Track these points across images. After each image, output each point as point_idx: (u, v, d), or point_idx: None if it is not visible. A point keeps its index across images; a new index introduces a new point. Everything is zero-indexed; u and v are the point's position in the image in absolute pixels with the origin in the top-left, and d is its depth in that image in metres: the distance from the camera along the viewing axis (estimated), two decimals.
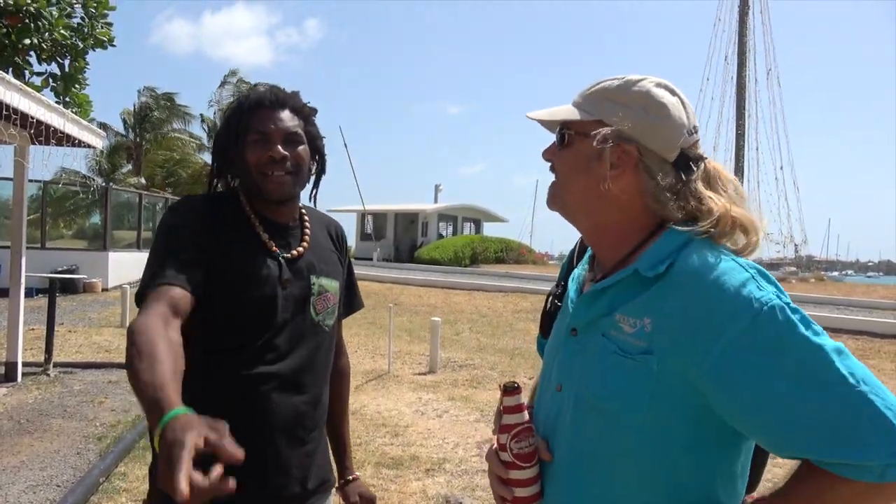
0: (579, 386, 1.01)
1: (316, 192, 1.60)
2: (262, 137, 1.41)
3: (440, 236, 31.13)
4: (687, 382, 0.91)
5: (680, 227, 0.99)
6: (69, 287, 13.25)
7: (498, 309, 13.62)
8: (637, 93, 1.01)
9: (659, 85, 1.03)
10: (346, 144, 21.43)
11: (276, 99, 1.44)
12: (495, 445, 1.07)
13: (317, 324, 1.48)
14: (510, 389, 1.04)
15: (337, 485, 1.65)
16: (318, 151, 1.53)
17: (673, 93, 1.03)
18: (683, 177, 1.00)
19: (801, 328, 0.87)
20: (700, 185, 1.01)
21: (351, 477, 1.67)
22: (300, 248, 1.47)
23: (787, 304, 0.89)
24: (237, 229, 1.41)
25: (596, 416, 0.97)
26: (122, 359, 7.56)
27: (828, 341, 0.87)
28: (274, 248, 1.43)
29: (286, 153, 1.41)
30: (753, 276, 0.90)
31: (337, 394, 1.64)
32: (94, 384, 6.23)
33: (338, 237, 1.63)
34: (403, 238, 31.65)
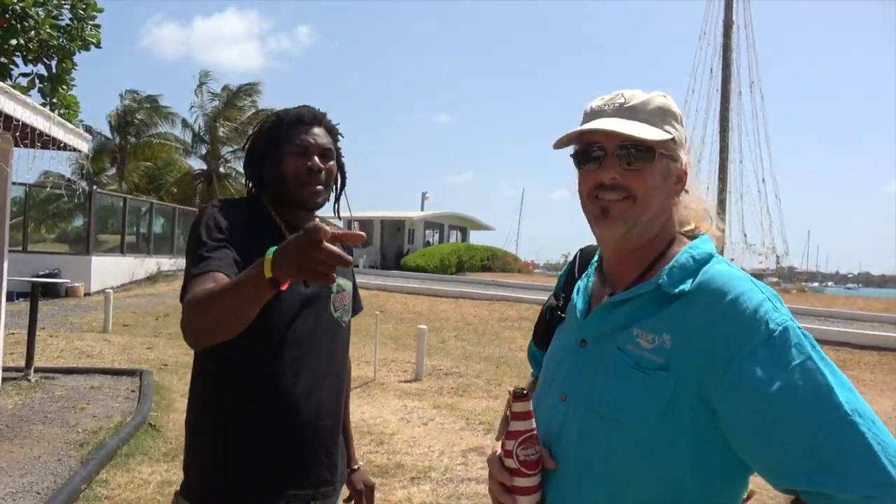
0: (590, 397, 1.01)
1: (339, 205, 1.71)
2: (302, 150, 1.53)
3: (426, 244, 31.15)
4: (701, 401, 0.93)
5: (693, 244, 1.04)
6: (51, 291, 13.10)
7: (484, 317, 13.63)
8: (675, 113, 1.06)
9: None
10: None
11: (314, 117, 1.58)
12: (499, 451, 1.06)
13: (336, 320, 1.59)
14: (520, 395, 1.03)
15: None
16: (341, 167, 1.67)
17: None
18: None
19: (811, 351, 0.90)
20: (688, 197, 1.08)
21: (355, 466, 1.76)
22: None
23: (799, 327, 0.92)
24: (267, 232, 1.51)
25: (606, 427, 0.98)
26: (103, 364, 7.45)
27: (833, 370, 0.90)
28: None
29: (322, 166, 1.55)
30: (769, 298, 0.94)
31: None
32: (76, 390, 6.15)
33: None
34: (390, 245, 31.61)
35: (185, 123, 29.91)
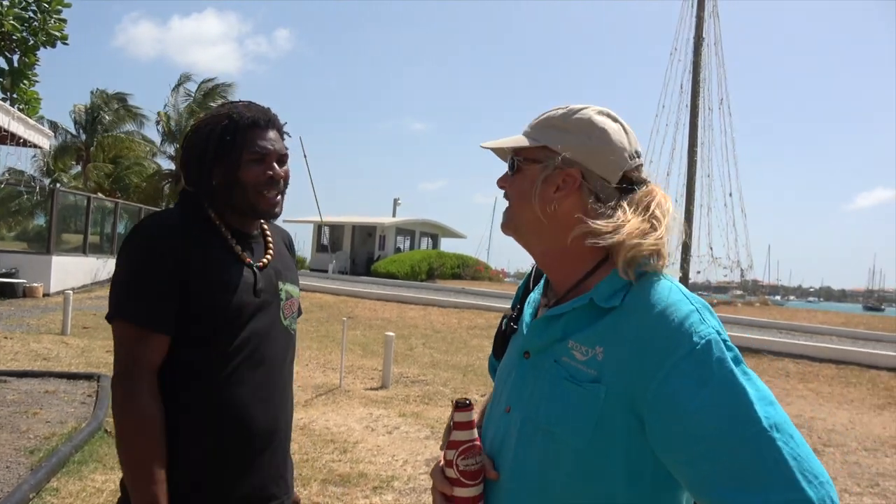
0: (528, 409, 1.02)
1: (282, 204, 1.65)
2: (260, 158, 1.47)
3: (397, 250, 31.07)
4: (632, 413, 0.93)
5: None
6: (8, 291, 12.72)
7: (452, 325, 13.62)
8: (579, 119, 1.06)
9: (600, 112, 1.08)
10: (305, 155, 21.19)
11: (269, 119, 1.51)
12: (441, 462, 1.07)
13: (286, 328, 1.55)
14: (462, 406, 1.04)
15: None
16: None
17: (615, 120, 1.08)
18: (625, 200, 1.04)
19: (732, 365, 0.90)
20: (628, 208, 1.03)
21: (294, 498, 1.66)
22: (268, 257, 1.55)
23: (725, 340, 0.92)
24: (211, 244, 1.45)
25: (541, 439, 0.99)
26: (60, 367, 7.22)
27: (754, 384, 0.90)
28: (248, 258, 1.49)
29: (282, 174, 1.50)
30: (698, 310, 0.94)
31: None
32: (30, 394, 5.96)
33: (290, 246, 1.72)
34: (360, 251, 31.46)
35: (157, 121, 29.41)
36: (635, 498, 0.95)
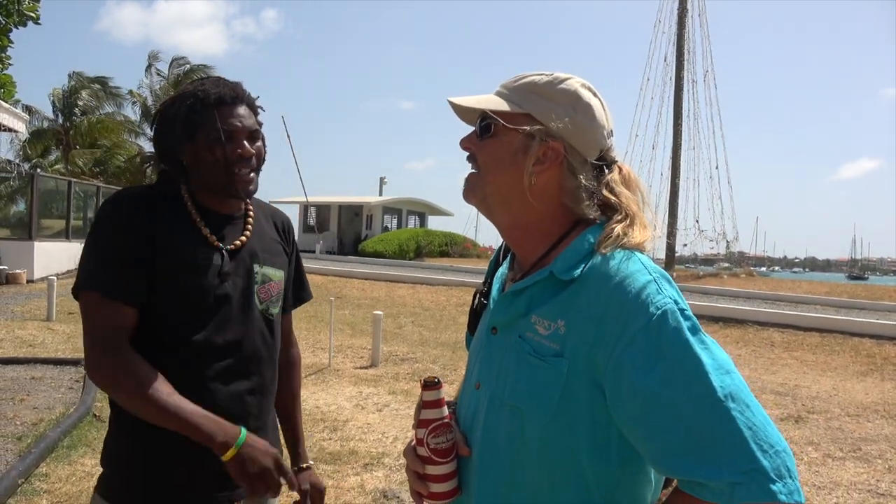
0: (496, 385, 1.01)
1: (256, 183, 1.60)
2: (229, 135, 1.41)
3: (385, 229, 30.98)
4: (595, 386, 0.92)
5: (593, 229, 1.01)
6: None
7: (441, 303, 13.64)
8: (566, 91, 1.02)
9: (584, 86, 1.04)
10: (288, 134, 20.99)
11: (236, 95, 1.45)
12: (413, 441, 1.07)
13: (261, 312, 1.50)
14: (430, 384, 1.04)
15: None
16: (264, 144, 1.55)
17: (595, 95, 1.05)
18: (601, 177, 1.02)
19: (688, 335, 0.88)
20: (619, 185, 1.03)
21: (304, 465, 1.68)
22: (242, 238, 1.50)
23: (682, 310, 0.90)
24: (177, 223, 1.41)
25: (507, 415, 0.98)
26: (46, 353, 7.18)
27: (711, 353, 0.88)
28: (215, 241, 1.44)
29: (252, 151, 1.44)
30: (655, 279, 0.92)
31: (288, 384, 1.68)
32: (16, 381, 5.92)
33: (284, 228, 1.66)
34: (347, 230, 31.34)
35: (132, 101, 28.95)
36: (602, 472, 0.94)
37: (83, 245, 1.40)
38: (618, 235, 0.97)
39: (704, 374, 0.85)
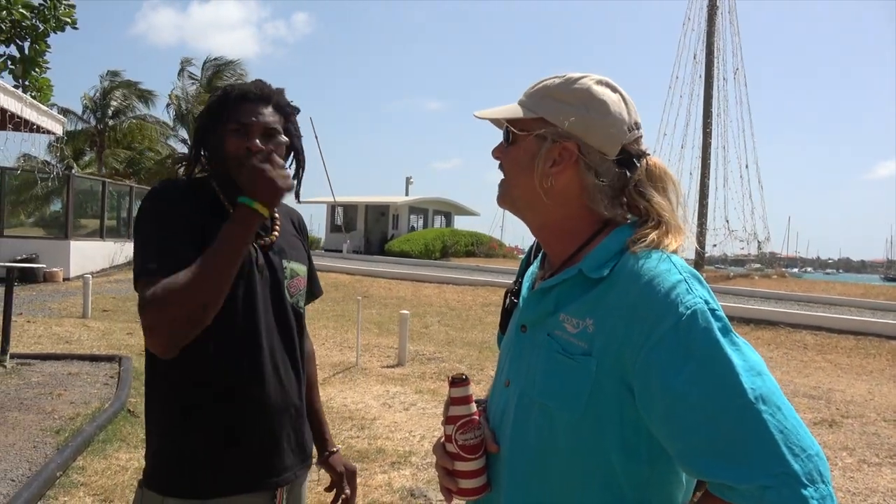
0: (525, 383, 1.02)
1: (299, 189, 1.63)
2: (242, 129, 1.43)
3: (411, 229, 31.09)
4: (623, 385, 0.92)
5: (624, 228, 1.01)
6: (29, 276, 12.89)
7: (467, 302, 13.65)
8: (577, 90, 1.02)
9: (600, 82, 1.04)
10: (316, 135, 21.22)
11: (262, 93, 1.47)
12: (442, 437, 1.08)
13: (291, 305, 1.55)
14: (458, 381, 1.06)
15: (317, 459, 1.72)
16: (295, 149, 1.57)
17: (614, 90, 1.04)
18: (627, 174, 1.02)
19: (719, 335, 0.87)
20: (647, 185, 1.02)
21: (333, 449, 1.72)
22: (274, 235, 1.54)
23: (713, 310, 0.89)
24: (215, 217, 1.43)
25: (536, 413, 0.99)
26: (82, 350, 7.32)
27: (742, 354, 0.87)
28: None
29: (262, 147, 1.42)
30: (686, 279, 0.92)
31: (307, 373, 1.72)
32: (54, 376, 6.08)
33: (299, 225, 1.71)
34: (374, 230, 31.52)
35: (167, 104, 29.52)
36: (633, 470, 0.94)
37: (135, 233, 1.41)
38: (651, 241, 0.97)
39: (735, 375, 0.84)
